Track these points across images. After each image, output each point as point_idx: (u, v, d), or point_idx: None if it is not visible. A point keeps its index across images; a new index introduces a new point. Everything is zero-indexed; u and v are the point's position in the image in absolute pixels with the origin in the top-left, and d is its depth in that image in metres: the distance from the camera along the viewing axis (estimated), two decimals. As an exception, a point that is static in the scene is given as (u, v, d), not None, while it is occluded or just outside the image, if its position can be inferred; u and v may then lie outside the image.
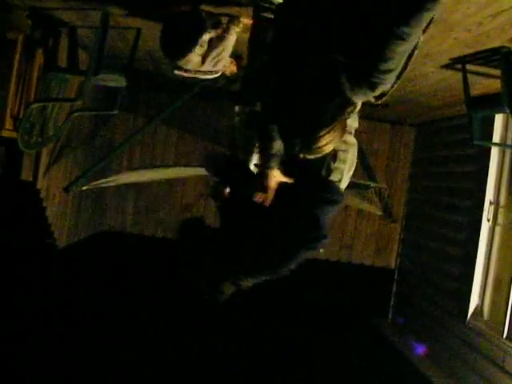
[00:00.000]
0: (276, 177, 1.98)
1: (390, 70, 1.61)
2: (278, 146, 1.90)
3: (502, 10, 2.60)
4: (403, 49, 1.58)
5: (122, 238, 6.54)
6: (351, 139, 2.12)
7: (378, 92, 1.66)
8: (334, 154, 2.01)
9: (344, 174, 2.11)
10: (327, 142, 1.63)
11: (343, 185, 2.15)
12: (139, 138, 6.18)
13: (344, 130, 1.68)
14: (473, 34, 2.98)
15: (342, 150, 2.07)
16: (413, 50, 1.68)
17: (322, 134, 1.59)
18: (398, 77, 1.72)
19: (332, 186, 2.06)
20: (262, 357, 5.03)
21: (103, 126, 6.07)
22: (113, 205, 6.63)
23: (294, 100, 1.66)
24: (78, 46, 4.13)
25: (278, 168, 1.99)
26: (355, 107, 1.72)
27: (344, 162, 2.09)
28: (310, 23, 1.67)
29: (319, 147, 1.64)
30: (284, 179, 1.99)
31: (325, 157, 1.96)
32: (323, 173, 2.03)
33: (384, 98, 1.74)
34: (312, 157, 1.74)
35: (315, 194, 2.00)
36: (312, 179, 2.04)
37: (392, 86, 1.72)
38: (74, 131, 4.93)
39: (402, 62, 1.64)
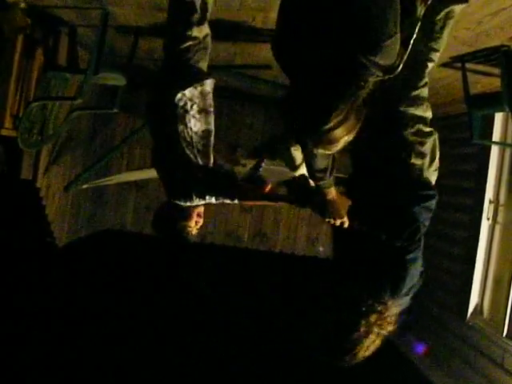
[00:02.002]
0: (335, 196, 1.83)
1: (380, 24, 1.43)
2: (324, 162, 1.74)
3: (501, 9, 2.60)
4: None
5: (121, 236, 6.53)
6: (426, 128, 1.91)
7: (382, 58, 1.48)
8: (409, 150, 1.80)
9: (424, 169, 1.88)
10: (338, 133, 1.45)
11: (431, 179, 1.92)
12: (139, 137, 6.18)
13: (359, 118, 1.48)
14: (472, 33, 2.98)
15: (417, 141, 1.84)
16: (408, 10, 1.53)
17: (329, 120, 1.41)
18: (405, 45, 1.56)
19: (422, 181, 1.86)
20: (262, 357, 5.03)
21: (103, 125, 6.07)
22: (113, 204, 6.63)
23: (300, 93, 1.50)
24: (78, 44, 4.13)
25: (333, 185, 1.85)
26: (365, 88, 1.48)
27: (422, 156, 1.86)
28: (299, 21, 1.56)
29: (329, 139, 1.46)
30: (340, 197, 1.84)
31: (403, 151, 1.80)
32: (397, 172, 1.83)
33: (396, 72, 1.55)
34: (328, 152, 1.57)
35: (407, 193, 1.83)
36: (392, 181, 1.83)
37: (400, 57, 1.56)
38: (74, 130, 4.93)
39: (392, 17, 1.45)
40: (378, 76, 1.51)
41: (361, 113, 1.49)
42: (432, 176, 1.91)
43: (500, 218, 4.74)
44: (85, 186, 4.99)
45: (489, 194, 4.77)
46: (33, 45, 3.69)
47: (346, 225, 1.86)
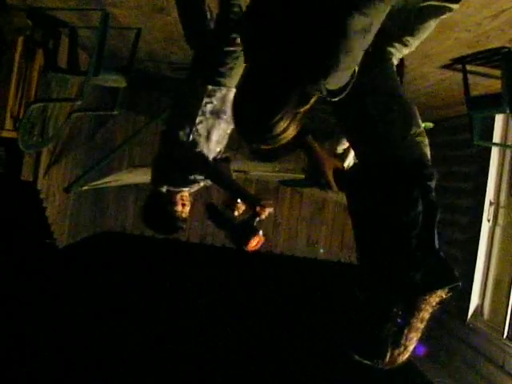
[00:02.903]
0: (318, 148, 1.80)
1: (342, 58, 1.42)
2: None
3: (501, 11, 2.60)
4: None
5: (122, 238, 6.54)
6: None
7: (331, 81, 1.47)
8: None
9: (395, 137, 1.81)
10: (283, 131, 1.48)
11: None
12: (139, 138, 6.19)
13: (300, 118, 1.50)
14: (473, 35, 2.98)
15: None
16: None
17: (274, 121, 1.44)
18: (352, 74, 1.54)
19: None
20: (262, 356, 5.03)
21: (103, 127, 6.07)
22: (113, 205, 6.63)
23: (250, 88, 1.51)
24: (78, 46, 4.13)
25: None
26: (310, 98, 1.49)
27: (390, 124, 1.80)
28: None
29: (275, 136, 1.49)
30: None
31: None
32: None
33: (343, 94, 1.53)
34: (266, 147, 1.58)
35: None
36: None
37: (348, 83, 1.53)
38: (75, 131, 4.93)
39: (356, 55, 1.47)
40: (321, 94, 1.51)
41: (300, 111, 1.50)
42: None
43: (500, 220, 4.74)
44: (85, 188, 4.99)
45: (489, 195, 4.77)
46: (33, 46, 3.70)
47: (334, 188, 1.83)
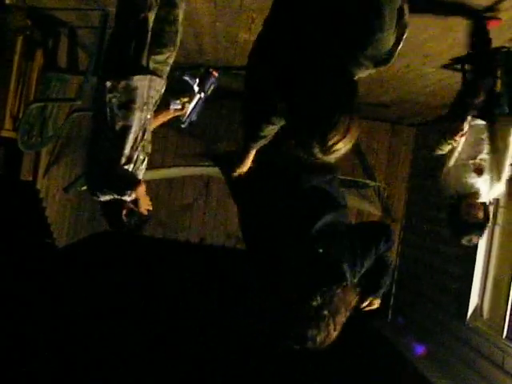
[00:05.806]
0: None
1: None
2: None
3: (500, 11, 2.60)
4: None
5: (122, 238, 6.53)
6: None
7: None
8: None
9: None
10: (343, 146, 1.57)
11: None
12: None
13: (358, 131, 1.60)
14: (472, 35, 2.98)
15: None
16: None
17: (336, 137, 1.54)
18: (398, 42, 1.83)
19: None
20: (262, 356, 5.03)
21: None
22: (112, 205, 6.63)
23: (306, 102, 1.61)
24: (78, 46, 4.13)
25: None
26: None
27: None
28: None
29: (334, 150, 1.58)
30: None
31: None
32: None
33: (387, 64, 1.85)
34: (326, 159, 1.66)
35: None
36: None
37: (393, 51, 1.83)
38: (74, 131, 4.93)
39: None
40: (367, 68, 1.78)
41: (357, 125, 1.62)
42: None
43: (500, 220, 4.74)
44: (84, 188, 4.99)
45: (489, 195, 4.77)
46: (33, 46, 3.70)
47: None
